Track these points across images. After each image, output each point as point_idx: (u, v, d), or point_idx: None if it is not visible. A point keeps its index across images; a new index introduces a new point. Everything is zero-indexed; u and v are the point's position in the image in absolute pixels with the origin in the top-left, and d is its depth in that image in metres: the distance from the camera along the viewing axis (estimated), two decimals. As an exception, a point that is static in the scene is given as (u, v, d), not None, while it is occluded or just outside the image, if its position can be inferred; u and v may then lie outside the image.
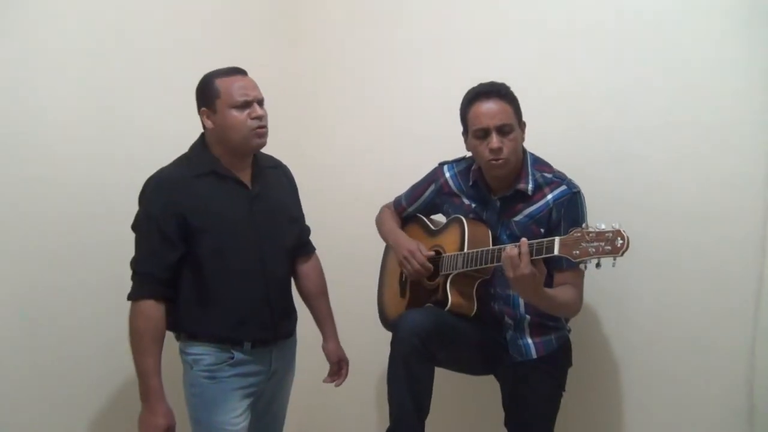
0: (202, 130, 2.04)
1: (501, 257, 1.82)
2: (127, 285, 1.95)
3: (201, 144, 2.02)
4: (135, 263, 1.93)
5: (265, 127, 1.98)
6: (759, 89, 2.00)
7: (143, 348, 1.87)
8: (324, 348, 2.26)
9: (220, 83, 1.95)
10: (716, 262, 2.08)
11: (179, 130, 2.50)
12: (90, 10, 2.30)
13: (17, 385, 2.10)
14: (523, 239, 1.79)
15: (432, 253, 2.12)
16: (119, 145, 2.36)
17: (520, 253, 1.77)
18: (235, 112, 1.93)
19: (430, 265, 2.09)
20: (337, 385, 2.27)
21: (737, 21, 2.06)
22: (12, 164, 2.10)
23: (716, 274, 2.08)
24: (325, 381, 2.27)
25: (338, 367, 2.26)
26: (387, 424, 1.98)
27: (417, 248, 2.11)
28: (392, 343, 1.98)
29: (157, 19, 2.52)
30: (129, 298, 1.91)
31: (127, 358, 1.92)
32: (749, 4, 2.05)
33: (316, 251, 2.29)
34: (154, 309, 1.89)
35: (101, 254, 2.30)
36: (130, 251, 2.11)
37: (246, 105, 1.94)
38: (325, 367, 2.29)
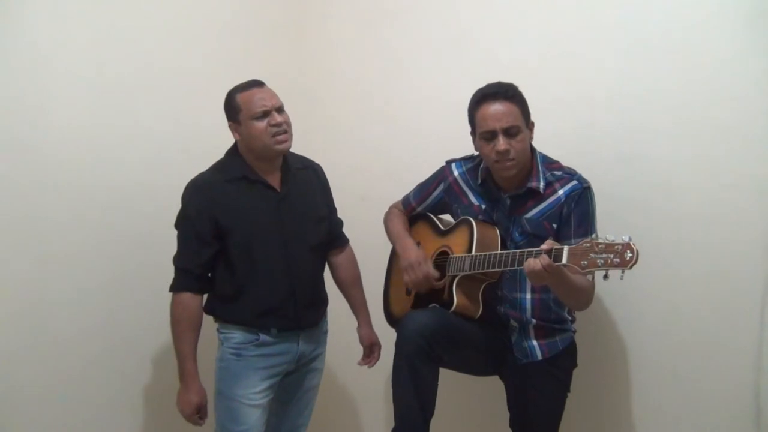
0: (219, 135, 2.20)
1: (523, 266, 1.79)
2: (137, 286, 2.36)
3: (234, 151, 2.18)
4: (175, 259, 2.12)
5: (285, 132, 2.10)
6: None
7: (180, 334, 2.08)
8: (358, 332, 2.40)
9: (241, 98, 2.10)
10: (723, 263, 2.06)
11: (190, 133, 2.56)
12: (102, 15, 2.31)
13: (20, 386, 2.15)
14: (544, 256, 1.75)
15: (437, 273, 2.10)
16: (131, 149, 2.39)
17: (542, 266, 1.75)
18: (256, 123, 2.07)
19: (436, 273, 2.07)
20: (369, 367, 2.40)
21: (745, 21, 2.02)
22: (21, 168, 2.12)
23: (723, 276, 2.06)
24: (358, 363, 2.41)
25: (370, 351, 2.40)
26: (393, 424, 1.98)
27: (423, 259, 2.10)
28: (397, 344, 1.98)
29: (169, 22, 2.54)
30: (170, 290, 2.11)
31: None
32: (759, 3, 2.00)
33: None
34: (190, 300, 2.09)
35: (109, 256, 2.35)
36: (137, 252, 2.40)
37: (265, 114, 2.08)
38: (329, 368, 2.34)
